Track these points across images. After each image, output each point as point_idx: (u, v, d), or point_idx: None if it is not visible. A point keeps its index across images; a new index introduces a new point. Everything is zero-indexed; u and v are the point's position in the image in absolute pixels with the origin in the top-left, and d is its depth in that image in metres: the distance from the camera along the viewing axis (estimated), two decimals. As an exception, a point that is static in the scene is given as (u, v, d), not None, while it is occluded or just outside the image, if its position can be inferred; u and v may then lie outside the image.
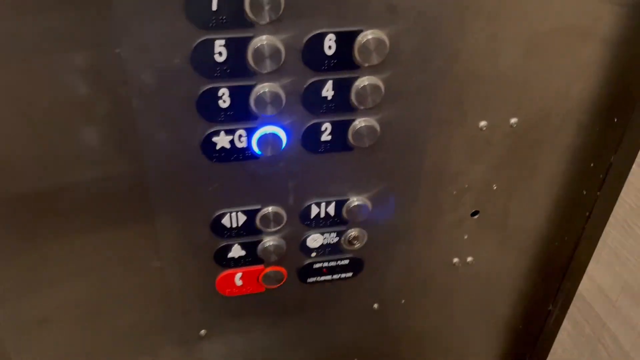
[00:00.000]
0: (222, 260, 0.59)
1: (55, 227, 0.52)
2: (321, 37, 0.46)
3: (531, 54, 0.52)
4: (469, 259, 0.69)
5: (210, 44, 0.44)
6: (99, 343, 0.62)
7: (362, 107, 0.51)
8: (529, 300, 0.77)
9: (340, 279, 0.65)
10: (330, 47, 0.47)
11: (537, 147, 0.60)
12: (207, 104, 0.47)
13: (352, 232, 0.61)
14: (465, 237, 0.66)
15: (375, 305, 0.70)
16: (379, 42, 0.47)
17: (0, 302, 0.55)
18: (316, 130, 0.52)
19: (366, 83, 0.49)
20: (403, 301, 0.71)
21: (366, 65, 0.48)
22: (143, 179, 0.51)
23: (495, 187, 0.62)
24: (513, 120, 0.57)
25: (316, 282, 0.64)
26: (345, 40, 0.47)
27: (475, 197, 0.63)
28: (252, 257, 0.59)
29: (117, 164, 0.49)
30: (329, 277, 0.64)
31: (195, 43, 0.44)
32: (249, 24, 0.44)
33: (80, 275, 0.56)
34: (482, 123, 0.56)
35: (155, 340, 0.63)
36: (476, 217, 0.65)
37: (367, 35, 0.47)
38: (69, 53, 0.43)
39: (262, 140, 0.50)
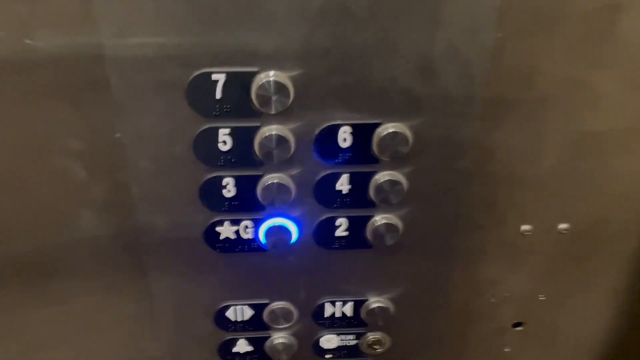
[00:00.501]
0: (227, 354, 0.54)
1: (47, 313, 0.50)
2: (335, 129, 0.42)
3: (581, 154, 0.45)
4: (511, 374, 0.60)
5: (213, 132, 0.41)
6: None
7: (381, 203, 0.46)
8: None
9: (359, 383, 0.58)
10: (345, 140, 0.43)
11: (591, 256, 0.52)
12: (210, 193, 0.44)
13: (373, 336, 0.54)
14: (507, 349, 0.58)
15: (400, 416, 0.62)
16: (400, 136, 0.42)
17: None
18: (330, 225, 0.47)
19: (386, 178, 0.44)
20: (432, 413, 0.62)
21: (385, 159, 0.43)
22: (141, 266, 0.48)
23: (542, 298, 0.54)
24: (562, 226, 0.49)
25: (332, 385, 0.58)
26: (362, 133, 0.42)
27: (517, 307, 0.55)
28: (260, 354, 0.54)
29: (115, 250, 0.47)
30: (346, 381, 0.58)
31: (198, 131, 0.41)
32: (255, 113, 0.41)
33: (79, 354, 0.53)
34: (525, 227, 0.49)
35: None
36: (519, 328, 0.56)
37: (388, 129, 0.42)
38: (66, 137, 0.41)
39: (269, 233, 0.46)
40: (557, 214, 0.49)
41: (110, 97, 0.40)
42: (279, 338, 0.53)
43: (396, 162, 0.44)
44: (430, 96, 0.41)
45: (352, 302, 0.52)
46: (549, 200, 0.48)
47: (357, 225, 0.47)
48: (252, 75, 0.39)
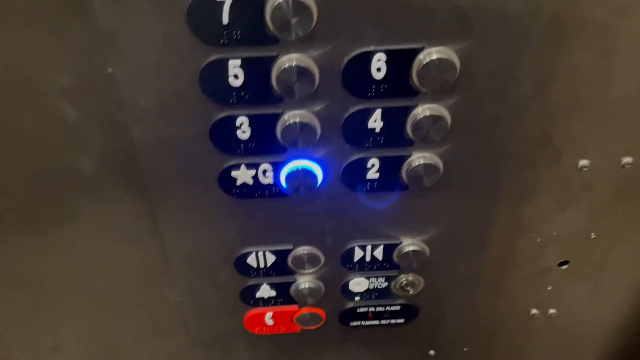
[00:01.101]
0: (250, 299, 0.51)
1: (57, 261, 0.46)
2: (367, 56, 0.35)
3: (658, 77, 0.38)
4: (552, 311, 0.56)
5: (222, 64, 0.35)
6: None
7: (420, 142, 0.39)
8: (625, 355, 0.64)
9: (389, 324, 0.55)
10: (379, 70, 0.36)
11: (655, 190, 0.46)
12: (222, 134, 0.38)
13: (405, 278, 0.50)
14: (549, 287, 0.54)
15: (432, 352, 0.60)
16: (445, 62, 0.35)
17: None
18: (360, 166, 0.41)
19: (427, 113, 0.38)
20: (466, 349, 0.60)
21: (427, 91, 0.37)
22: (152, 212, 0.43)
23: (593, 236, 0.49)
24: (626, 160, 0.43)
25: (360, 325, 0.55)
26: (400, 60, 0.35)
27: (565, 246, 0.50)
28: (284, 297, 0.51)
29: (121, 196, 0.42)
30: (375, 322, 0.55)
31: (204, 64, 0.35)
32: (271, 40, 0.34)
33: (93, 306, 0.50)
34: (583, 162, 0.43)
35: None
36: (565, 267, 0.52)
37: (432, 55, 0.35)
38: (51, 73, 0.35)
39: (291, 177, 0.40)
40: (622, 147, 0.43)
41: (95, 24, 0.33)
42: (305, 282, 0.49)
43: (439, 93, 0.37)
44: (486, 11, 0.34)
45: (384, 246, 0.47)
46: (614, 131, 0.41)
47: (391, 166, 0.41)
48: (269, -5, 0.32)
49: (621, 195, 0.46)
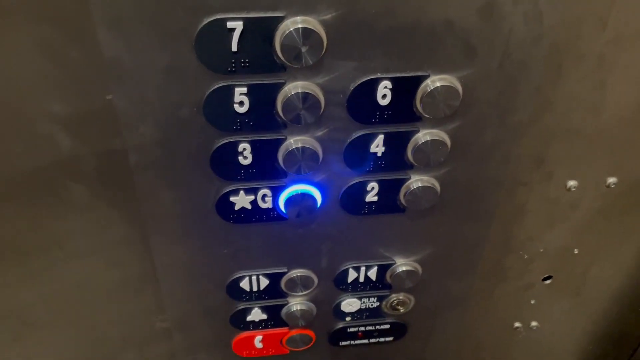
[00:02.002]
0: (240, 323, 0.50)
1: (45, 288, 0.44)
2: (373, 83, 0.35)
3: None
4: (534, 323, 0.58)
5: (228, 91, 0.34)
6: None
7: (419, 166, 0.40)
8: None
9: (378, 342, 0.55)
10: (384, 96, 0.36)
11: (633, 210, 0.48)
12: (223, 160, 0.37)
13: (397, 298, 0.50)
14: (532, 302, 0.55)
15: (418, 368, 0.60)
16: (449, 90, 0.35)
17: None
18: (360, 190, 0.41)
19: (428, 139, 0.38)
20: (450, 363, 0.61)
21: (430, 117, 0.37)
22: (145, 238, 0.42)
23: (576, 252, 0.51)
24: (611, 180, 0.45)
25: (350, 345, 0.55)
26: (405, 87, 0.36)
27: (550, 262, 0.51)
28: (275, 320, 0.50)
29: (114, 221, 0.40)
30: (365, 341, 0.55)
31: (209, 91, 0.34)
32: (279, 68, 0.33)
33: (74, 336, 0.48)
34: (571, 183, 0.44)
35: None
36: (548, 281, 0.53)
37: (435, 82, 0.35)
38: (49, 100, 0.33)
39: (291, 202, 0.40)
40: (607, 168, 0.44)
41: (99, 52, 0.31)
42: (296, 304, 0.49)
43: (440, 119, 0.38)
44: (491, 42, 0.34)
45: (377, 267, 0.47)
46: (601, 154, 0.43)
47: (390, 189, 0.41)
48: (276, 21, 0.31)
49: (604, 212, 0.47)
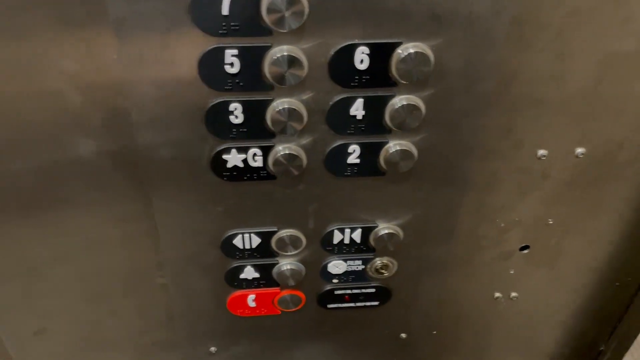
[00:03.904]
0: (234, 281, 0.54)
1: (46, 243, 0.48)
2: (352, 49, 0.39)
3: (605, 77, 0.43)
4: (513, 294, 0.61)
5: (220, 53, 0.38)
6: None
7: (397, 129, 0.43)
8: (578, 340, 0.69)
9: (364, 307, 0.59)
10: (362, 61, 0.40)
11: (603, 181, 0.51)
12: (216, 119, 0.41)
13: (380, 261, 0.54)
14: (511, 271, 0.58)
15: (403, 335, 0.63)
16: (421, 56, 0.39)
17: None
18: (342, 151, 0.45)
19: (404, 103, 0.42)
20: (434, 332, 0.64)
21: (404, 82, 0.41)
22: (144, 193, 0.46)
23: (550, 222, 0.54)
24: (579, 150, 0.48)
25: (337, 308, 0.58)
26: (381, 53, 0.39)
27: (526, 231, 0.54)
28: (267, 279, 0.54)
29: (115, 177, 0.44)
30: (352, 305, 0.58)
31: (203, 52, 0.38)
32: (266, 32, 0.37)
33: (79, 289, 0.52)
34: (541, 152, 0.48)
35: (161, 357, 0.59)
36: (525, 251, 0.56)
37: (408, 49, 0.39)
38: (59, 59, 0.37)
39: (278, 161, 0.44)
40: (575, 138, 0.47)
41: (107, 17, 0.36)
42: (286, 264, 0.53)
43: (414, 85, 0.41)
44: (455, 12, 0.38)
45: (361, 229, 0.51)
46: (569, 124, 0.46)
47: (370, 152, 0.45)
48: (264, -10, 0.36)
49: (575, 183, 0.51)
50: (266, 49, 0.38)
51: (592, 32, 0.40)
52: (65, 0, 0.35)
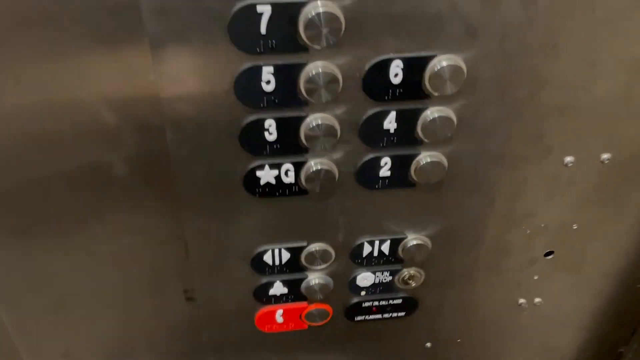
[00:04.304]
0: (263, 297, 0.53)
1: (76, 259, 0.47)
2: (387, 63, 0.39)
3: (634, 83, 0.44)
4: (537, 300, 0.61)
5: (257, 71, 0.38)
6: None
7: (428, 141, 0.44)
8: (598, 343, 0.69)
9: (391, 317, 0.58)
10: (396, 75, 0.40)
11: (628, 184, 0.51)
12: (251, 136, 0.41)
13: (408, 272, 0.54)
14: (535, 277, 0.59)
15: (428, 344, 0.63)
16: (455, 69, 0.39)
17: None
18: (374, 165, 0.45)
19: (436, 115, 0.42)
20: (459, 340, 0.64)
21: (437, 94, 0.41)
22: (176, 211, 0.45)
23: (575, 227, 0.54)
24: (605, 156, 0.48)
25: (364, 320, 0.58)
26: (415, 66, 0.40)
27: (551, 237, 0.55)
28: (295, 294, 0.54)
29: (148, 195, 0.44)
30: (378, 316, 0.58)
31: (240, 70, 0.38)
32: (302, 49, 0.37)
33: (106, 308, 0.52)
34: (568, 159, 0.48)
35: (188, 375, 0.59)
36: (550, 257, 0.57)
37: (442, 62, 0.39)
38: (97, 81, 0.37)
39: (311, 176, 0.44)
40: (601, 144, 0.48)
41: (144, 36, 0.35)
42: (315, 279, 0.52)
43: (446, 97, 0.42)
44: (490, 23, 0.38)
45: (390, 241, 0.51)
46: (595, 130, 0.47)
47: (402, 164, 0.45)
48: (300, 6, 0.36)
49: (601, 188, 0.51)
50: (302, 66, 0.38)
51: (621, 40, 0.41)
52: (102, 17, 0.35)
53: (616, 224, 0.55)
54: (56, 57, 0.36)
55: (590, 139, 0.47)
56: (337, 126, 0.41)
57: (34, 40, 0.35)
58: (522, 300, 0.61)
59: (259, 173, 0.44)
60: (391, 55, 0.39)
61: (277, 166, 0.44)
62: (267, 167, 0.43)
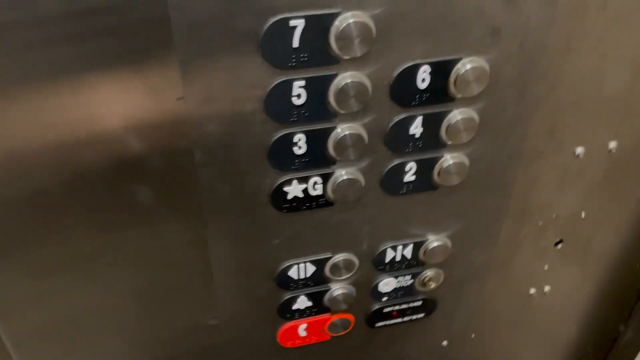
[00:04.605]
0: (286, 312, 0.52)
1: (103, 292, 0.45)
2: (414, 69, 0.39)
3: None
4: (547, 288, 0.63)
5: (288, 85, 0.37)
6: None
7: (451, 143, 0.44)
8: (600, 323, 0.72)
9: (410, 320, 0.59)
10: (423, 80, 0.40)
11: (632, 171, 0.53)
12: (280, 151, 0.40)
13: (428, 273, 0.54)
14: (546, 267, 0.60)
15: (445, 342, 0.64)
16: (480, 70, 0.40)
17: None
18: (399, 171, 0.45)
19: (459, 117, 0.42)
20: (473, 335, 0.65)
21: (461, 96, 0.41)
22: (202, 231, 0.44)
23: (584, 215, 0.56)
24: (612, 145, 0.50)
25: (385, 325, 0.58)
26: (442, 70, 0.40)
27: (561, 227, 0.56)
28: (319, 307, 0.53)
29: (173, 216, 0.42)
30: (398, 320, 0.58)
31: (272, 86, 0.37)
32: (333, 60, 0.37)
33: (129, 330, 0.50)
34: (579, 150, 0.49)
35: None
36: (559, 246, 0.58)
37: (466, 64, 0.40)
38: (123, 102, 0.35)
39: (339, 187, 0.43)
40: (608, 134, 0.50)
41: (173, 54, 0.34)
42: (338, 289, 0.52)
43: (470, 98, 0.42)
44: (513, 24, 0.39)
45: (412, 244, 0.51)
46: (603, 120, 0.48)
47: (426, 167, 0.45)
48: (333, 17, 0.35)
49: (608, 176, 0.53)
50: (332, 77, 0.38)
51: (631, 36, 0.42)
52: (128, 34, 0.33)
53: (619, 210, 0.57)
54: (78, 82, 0.34)
55: (598, 129, 0.49)
56: (365, 135, 0.41)
57: (55, 65, 0.33)
58: (532, 290, 0.62)
59: (286, 188, 0.43)
60: (419, 61, 0.39)
61: (305, 179, 0.43)
62: (295, 181, 0.43)
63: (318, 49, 0.36)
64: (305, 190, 0.43)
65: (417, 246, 0.51)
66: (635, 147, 0.51)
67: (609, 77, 0.45)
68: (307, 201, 0.44)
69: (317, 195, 0.44)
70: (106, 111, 0.36)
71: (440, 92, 0.41)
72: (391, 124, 0.42)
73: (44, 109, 0.34)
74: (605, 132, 0.49)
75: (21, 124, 0.35)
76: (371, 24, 0.36)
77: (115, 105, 0.35)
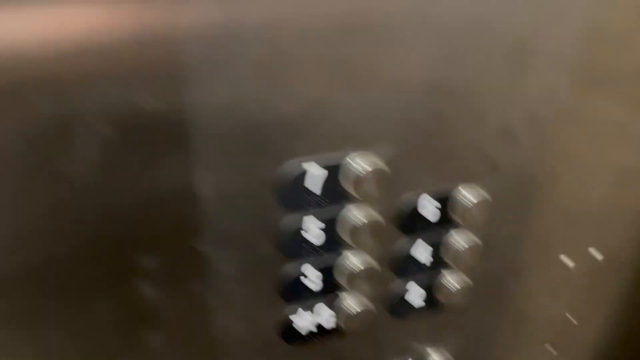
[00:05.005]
0: None
1: None
2: (419, 200, 0.41)
3: (621, 189, 0.49)
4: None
5: (300, 224, 0.38)
6: None
7: (455, 265, 0.45)
8: None
9: None
10: (426, 209, 0.42)
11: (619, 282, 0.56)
12: (293, 288, 0.40)
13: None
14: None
15: None
16: (482, 203, 0.42)
17: None
18: (404, 294, 0.45)
19: (462, 244, 0.44)
20: None
21: (463, 223, 0.43)
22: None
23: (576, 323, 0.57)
24: (598, 256, 0.53)
25: None
26: (443, 199, 0.42)
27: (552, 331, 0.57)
28: None
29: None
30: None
31: (284, 225, 0.38)
32: (344, 199, 0.38)
33: None
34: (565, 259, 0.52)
35: None
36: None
37: (466, 194, 0.42)
38: (136, 253, 0.35)
39: (351, 319, 0.43)
40: (593, 244, 0.52)
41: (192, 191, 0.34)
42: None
43: (472, 224, 0.44)
44: (507, 157, 0.42)
45: (415, 361, 0.51)
46: (591, 232, 0.51)
47: (431, 290, 0.46)
48: (346, 162, 0.37)
49: (595, 284, 0.55)
50: (344, 215, 0.39)
51: (606, 153, 0.46)
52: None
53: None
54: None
55: (588, 240, 0.51)
56: (377, 266, 0.42)
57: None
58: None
59: (298, 322, 0.42)
60: (420, 192, 0.41)
61: (318, 313, 0.43)
62: (307, 315, 0.42)
63: (331, 190, 0.37)
64: (317, 324, 0.43)
65: (422, 362, 0.51)
66: (621, 260, 0.54)
67: (595, 189, 0.48)
68: (320, 334, 0.44)
69: (330, 329, 0.44)
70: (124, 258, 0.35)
71: (442, 219, 0.43)
72: (401, 255, 0.43)
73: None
74: (589, 239, 0.52)
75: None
76: (386, 169, 0.37)
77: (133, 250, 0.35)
